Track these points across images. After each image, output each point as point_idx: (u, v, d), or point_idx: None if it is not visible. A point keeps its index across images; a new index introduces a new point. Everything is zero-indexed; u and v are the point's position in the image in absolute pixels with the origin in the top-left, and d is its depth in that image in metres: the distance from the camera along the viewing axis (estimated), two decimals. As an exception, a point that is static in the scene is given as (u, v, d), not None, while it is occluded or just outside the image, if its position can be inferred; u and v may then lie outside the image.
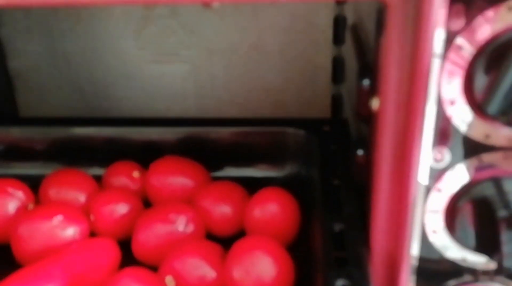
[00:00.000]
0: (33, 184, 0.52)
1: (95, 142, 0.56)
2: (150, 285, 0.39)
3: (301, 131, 0.54)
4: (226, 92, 0.66)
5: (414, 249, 0.37)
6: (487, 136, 0.32)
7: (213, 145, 0.55)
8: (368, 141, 0.39)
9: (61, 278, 0.40)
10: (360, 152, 0.41)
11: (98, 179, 0.53)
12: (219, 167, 0.55)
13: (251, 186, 0.51)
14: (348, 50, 0.60)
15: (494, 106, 0.30)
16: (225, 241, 0.46)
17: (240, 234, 0.48)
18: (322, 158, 0.49)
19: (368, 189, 0.38)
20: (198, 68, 0.65)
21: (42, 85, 0.67)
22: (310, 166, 0.51)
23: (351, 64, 0.58)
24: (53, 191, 0.50)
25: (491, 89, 0.29)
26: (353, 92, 0.50)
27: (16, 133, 0.56)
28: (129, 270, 0.39)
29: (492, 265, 0.35)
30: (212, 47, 0.64)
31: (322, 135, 0.53)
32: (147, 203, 0.52)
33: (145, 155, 0.54)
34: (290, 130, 0.54)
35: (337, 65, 0.64)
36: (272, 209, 0.46)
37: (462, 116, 0.32)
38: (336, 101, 0.66)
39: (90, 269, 0.43)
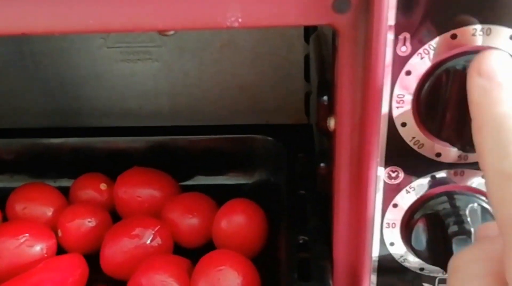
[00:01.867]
0: (1, 197, 0.53)
1: (63, 153, 0.57)
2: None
3: (269, 138, 0.55)
4: (199, 89, 0.67)
5: (374, 261, 0.39)
6: (438, 155, 0.34)
7: (182, 153, 0.57)
8: (328, 155, 0.41)
9: (28, 299, 0.42)
10: (322, 164, 0.43)
11: (67, 190, 0.55)
12: (189, 176, 0.56)
13: (221, 194, 0.53)
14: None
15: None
16: (194, 252, 0.49)
17: (209, 244, 0.50)
18: (289, 167, 0.52)
19: (330, 201, 0.41)
20: (170, 66, 0.66)
21: (10, 88, 0.67)
22: (278, 173, 0.54)
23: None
24: (19, 206, 0.52)
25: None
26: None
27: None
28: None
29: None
30: (183, 45, 0.65)
31: (290, 142, 0.55)
32: (115, 215, 0.53)
33: (113, 164, 0.56)
34: (258, 137, 0.56)
35: (309, 62, 0.65)
36: (239, 221, 0.48)
37: (413, 137, 0.34)
38: (309, 99, 0.67)
39: (58, 286, 0.45)
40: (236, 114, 0.68)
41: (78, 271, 0.47)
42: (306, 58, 0.66)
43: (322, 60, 0.45)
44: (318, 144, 0.49)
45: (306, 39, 0.64)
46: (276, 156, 0.54)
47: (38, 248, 0.48)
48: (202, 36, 0.65)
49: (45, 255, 0.48)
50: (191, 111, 0.68)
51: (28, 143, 0.57)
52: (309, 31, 0.62)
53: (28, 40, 0.65)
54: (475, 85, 0.27)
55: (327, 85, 0.39)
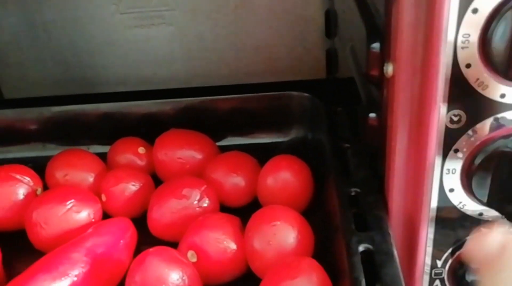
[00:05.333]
0: (35, 166, 0.53)
1: (95, 119, 0.57)
2: (174, 262, 0.41)
3: (305, 94, 0.55)
4: (214, 52, 0.67)
5: (432, 208, 0.39)
6: (502, 96, 0.34)
7: (215, 114, 0.56)
8: (380, 104, 0.40)
9: (84, 262, 0.42)
10: (372, 115, 0.43)
11: (101, 156, 0.54)
12: (224, 136, 0.56)
13: (258, 153, 0.53)
14: (339, 2, 0.61)
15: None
16: (238, 211, 0.49)
17: (253, 203, 0.50)
18: (328, 121, 0.51)
19: (383, 151, 0.40)
20: (183, 30, 0.65)
21: (22, 60, 0.67)
22: (316, 129, 0.53)
23: (343, 16, 0.59)
24: (60, 174, 0.51)
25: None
26: (348, 47, 0.51)
27: (10, 115, 0.57)
28: (154, 249, 0.41)
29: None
30: (196, 7, 0.64)
31: (326, 96, 0.54)
32: (154, 178, 0.53)
33: (145, 129, 0.56)
34: (294, 93, 0.55)
35: (330, 18, 0.65)
36: (285, 177, 0.48)
37: (477, 78, 0.34)
38: (331, 56, 0.67)
39: (111, 249, 0.44)
40: (253, 75, 0.67)
41: (128, 234, 0.47)
42: (327, 14, 0.65)
43: (367, 6, 0.44)
44: (364, 95, 0.48)
45: (328, -8, 0.63)
46: (314, 112, 0.54)
47: (85, 214, 0.47)
48: (215, -4, 0.64)
49: (92, 220, 0.48)
50: (207, 75, 0.68)
51: (59, 111, 0.56)
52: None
53: (39, 10, 0.64)
54: None
55: (377, 31, 0.39)
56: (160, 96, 0.58)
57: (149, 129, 0.55)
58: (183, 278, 0.40)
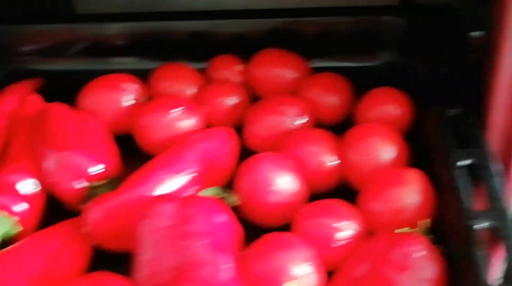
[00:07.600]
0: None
1: (186, 36, 0.59)
2: (284, 166, 0.45)
3: (398, 19, 0.56)
4: None
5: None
6: None
7: (305, 35, 0.58)
8: (487, 21, 0.42)
9: (198, 162, 0.46)
10: (476, 33, 0.45)
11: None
12: (313, 58, 0.57)
13: (348, 76, 0.55)
14: None
15: None
16: (329, 128, 0.51)
17: (344, 121, 0.53)
18: (423, 46, 0.53)
19: (487, 70, 0.42)
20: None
21: None
22: (408, 53, 0.55)
23: None
24: (162, 85, 0.55)
25: None
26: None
27: (113, 29, 0.60)
28: (263, 154, 0.45)
29: None
30: None
31: (421, 22, 0.56)
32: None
33: (235, 48, 0.58)
34: (386, 17, 0.57)
35: None
36: (386, 112, 0.50)
37: None
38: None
39: (219, 153, 0.48)
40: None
41: (232, 142, 0.50)
42: None
43: None
44: (468, 14, 0.49)
45: None
46: (406, 37, 0.55)
47: (191, 121, 0.51)
48: None
49: (197, 128, 0.51)
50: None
51: (159, 26, 0.59)
52: None
53: None
54: None
55: None
56: (249, 16, 0.59)
57: (239, 49, 0.57)
58: (292, 182, 0.44)
